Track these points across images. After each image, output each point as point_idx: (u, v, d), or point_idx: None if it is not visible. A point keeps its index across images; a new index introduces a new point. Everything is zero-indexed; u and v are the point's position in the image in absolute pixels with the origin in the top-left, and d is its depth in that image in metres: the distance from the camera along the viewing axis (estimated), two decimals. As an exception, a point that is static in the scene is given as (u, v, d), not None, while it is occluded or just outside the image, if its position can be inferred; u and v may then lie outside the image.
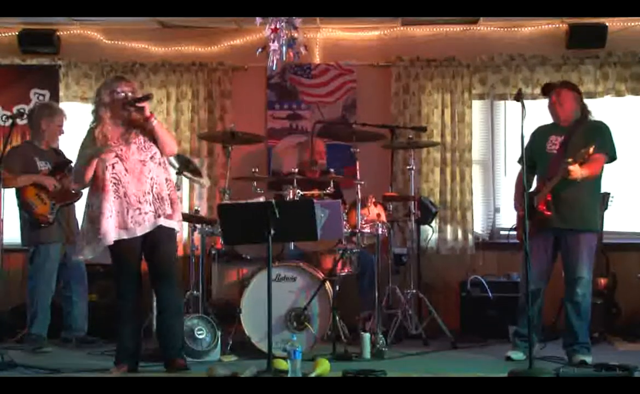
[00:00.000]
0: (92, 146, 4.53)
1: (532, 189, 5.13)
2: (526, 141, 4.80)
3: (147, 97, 4.61)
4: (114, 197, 4.50)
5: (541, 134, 5.17)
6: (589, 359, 4.80)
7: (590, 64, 6.65)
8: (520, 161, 5.28)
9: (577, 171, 4.73)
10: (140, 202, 4.52)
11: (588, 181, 4.83)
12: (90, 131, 4.63)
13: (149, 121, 4.55)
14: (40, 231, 5.57)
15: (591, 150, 4.68)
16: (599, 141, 4.87)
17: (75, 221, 5.85)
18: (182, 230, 4.82)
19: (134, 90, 4.67)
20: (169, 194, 4.63)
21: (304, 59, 6.43)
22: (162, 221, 4.56)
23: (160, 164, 4.64)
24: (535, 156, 5.11)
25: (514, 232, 5.31)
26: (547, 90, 5.09)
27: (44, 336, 5.57)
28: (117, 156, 4.54)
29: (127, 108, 4.54)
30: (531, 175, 5.18)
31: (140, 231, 4.52)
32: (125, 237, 4.51)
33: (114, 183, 4.51)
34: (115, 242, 4.51)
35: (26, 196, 5.56)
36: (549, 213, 4.86)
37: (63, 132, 5.87)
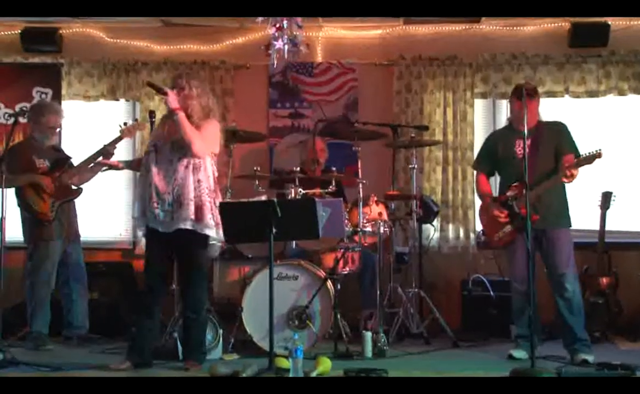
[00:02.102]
0: (153, 133, 4.93)
1: (497, 194, 5.28)
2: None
3: (162, 91, 4.67)
4: (142, 183, 4.68)
5: (504, 139, 5.21)
6: (590, 358, 4.81)
7: (592, 62, 6.63)
8: (476, 165, 5.44)
9: (576, 174, 4.85)
10: (159, 197, 4.59)
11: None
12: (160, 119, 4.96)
13: (172, 114, 4.61)
14: (41, 229, 5.57)
15: (601, 151, 4.75)
16: (570, 142, 5.04)
17: (76, 218, 5.84)
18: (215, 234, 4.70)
19: (183, 86, 4.69)
20: (199, 197, 4.61)
21: (306, 58, 6.43)
22: (183, 225, 4.56)
23: (189, 167, 4.63)
24: (500, 161, 5.20)
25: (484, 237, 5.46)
26: (518, 94, 5.01)
27: (44, 333, 5.58)
28: (154, 145, 4.69)
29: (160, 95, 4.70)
30: (488, 179, 5.36)
31: (154, 225, 4.61)
32: (149, 225, 4.64)
33: (145, 170, 4.68)
34: (148, 232, 4.68)
35: (26, 195, 5.56)
36: (536, 217, 4.87)
37: (57, 130, 5.81)
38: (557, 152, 5.02)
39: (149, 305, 4.71)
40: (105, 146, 5.64)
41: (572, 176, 4.85)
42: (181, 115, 4.60)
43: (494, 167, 5.32)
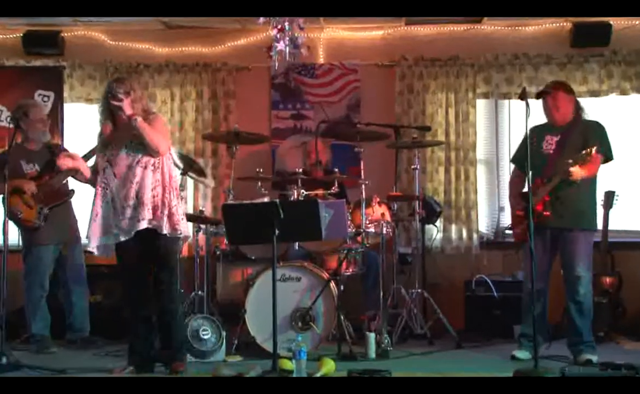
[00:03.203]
0: (96, 149, 4.68)
1: (525, 189, 5.16)
2: (520, 139, 4.84)
3: (118, 98, 4.53)
4: (102, 202, 4.56)
5: (538, 133, 5.15)
6: (594, 358, 4.80)
7: (594, 62, 6.63)
8: (514, 160, 5.38)
9: (577, 172, 4.78)
10: (123, 207, 4.51)
11: (585, 180, 4.87)
12: (98, 135, 4.72)
13: (130, 121, 4.50)
14: (32, 234, 5.55)
15: (593, 150, 4.72)
16: (597, 141, 4.91)
17: (75, 220, 5.80)
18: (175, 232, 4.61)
19: (128, 90, 4.57)
20: (156, 197, 4.53)
21: (308, 59, 6.44)
22: (145, 225, 4.48)
23: (148, 167, 4.55)
24: (532, 155, 5.11)
25: (510, 231, 5.37)
26: (541, 95, 5.03)
27: (47, 336, 5.57)
28: (108, 160, 4.58)
29: (117, 110, 4.54)
30: (524, 174, 5.22)
31: (124, 236, 4.52)
32: (111, 242, 4.55)
33: (103, 188, 4.57)
34: (116, 245, 4.57)
35: (11, 202, 5.42)
36: (547, 213, 4.86)
37: (47, 122, 5.78)
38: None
39: (139, 310, 4.67)
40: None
41: (570, 174, 4.77)
42: (140, 120, 4.50)
43: (526, 160, 5.23)
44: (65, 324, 5.75)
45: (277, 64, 5.40)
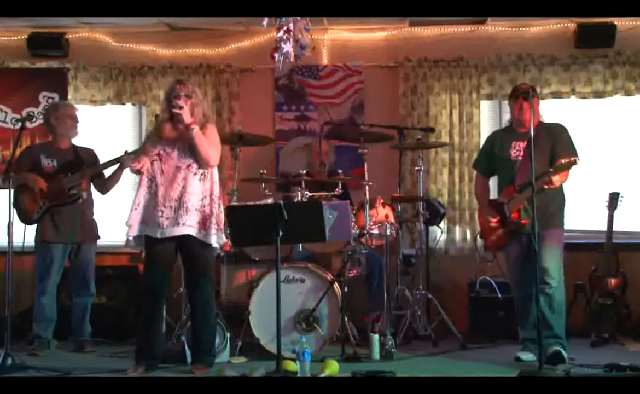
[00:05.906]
0: (149, 139, 4.78)
1: (495, 197, 5.20)
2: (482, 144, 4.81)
3: (178, 105, 4.63)
4: (146, 192, 4.65)
5: (501, 139, 5.17)
6: (563, 351, 4.74)
7: (599, 63, 6.62)
8: (476, 165, 5.42)
9: (558, 180, 4.78)
10: (164, 205, 4.58)
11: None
12: (155, 126, 4.84)
13: (188, 128, 4.59)
14: (39, 231, 5.58)
15: (575, 159, 4.70)
16: (566, 145, 4.93)
17: (89, 221, 5.78)
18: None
19: (190, 93, 4.68)
20: (206, 206, 4.62)
21: (312, 61, 6.44)
22: (190, 232, 4.57)
23: (198, 174, 4.64)
24: (496, 162, 5.16)
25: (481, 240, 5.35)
26: (517, 94, 5.00)
27: (43, 337, 5.55)
28: (158, 154, 4.66)
29: (173, 111, 4.64)
30: (487, 180, 5.31)
31: (159, 234, 4.57)
32: (147, 233, 4.61)
33: (149, 179, 4.66)
34: (147, 238, 4.64)
35: (20, 193, 5.54)
36: (525, 221, 4.84)
37: (77, 122, 5.81)
38: (553, 155, 4.91)
39: (153, 310, 4.70)
40: (127, 153, 5.55)
41: (552, 182, 4.76)
42: (197, 130, 4.59)
43: (491, 167, 5.28)
44: (71, 326, 5.74)
45: (281, 66, 5.40)
